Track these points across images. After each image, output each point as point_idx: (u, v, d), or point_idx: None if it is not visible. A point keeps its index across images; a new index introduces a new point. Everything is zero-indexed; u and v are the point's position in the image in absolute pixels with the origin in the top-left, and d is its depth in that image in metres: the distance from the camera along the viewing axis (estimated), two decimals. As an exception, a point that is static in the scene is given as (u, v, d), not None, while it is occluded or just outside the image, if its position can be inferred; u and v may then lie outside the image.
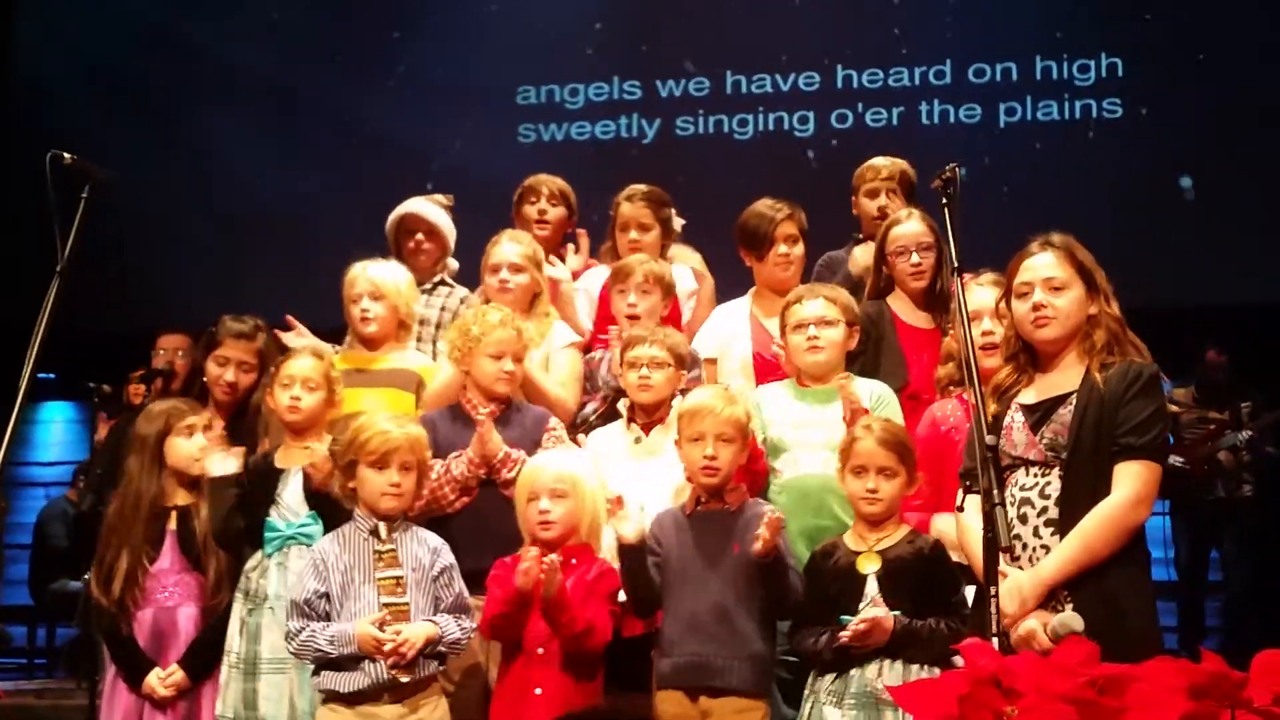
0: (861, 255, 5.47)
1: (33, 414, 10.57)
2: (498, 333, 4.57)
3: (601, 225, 5.80)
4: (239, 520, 4.41)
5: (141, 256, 9.43)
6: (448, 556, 4.14)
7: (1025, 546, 3.59)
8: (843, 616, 3.87)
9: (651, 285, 5.02)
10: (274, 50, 9.84)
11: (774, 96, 9.37)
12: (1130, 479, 3.52)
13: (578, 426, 4.91)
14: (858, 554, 3.98)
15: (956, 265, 3.68)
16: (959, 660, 3.46)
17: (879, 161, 5.67)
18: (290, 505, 4.42)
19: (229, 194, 9.64)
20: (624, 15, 9.68)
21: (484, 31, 9.69)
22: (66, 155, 3.77)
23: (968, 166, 3.68)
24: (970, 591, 3.84)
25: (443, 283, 5.57)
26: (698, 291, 5.50)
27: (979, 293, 4.34)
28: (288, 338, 5.11)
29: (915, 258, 4.97)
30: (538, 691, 3.99)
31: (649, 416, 4.63)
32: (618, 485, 4.41)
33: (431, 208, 5.63)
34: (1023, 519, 3.60)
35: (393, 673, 3.92)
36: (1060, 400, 3.64)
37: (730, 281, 5.47)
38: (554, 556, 3.97)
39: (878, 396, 4.54)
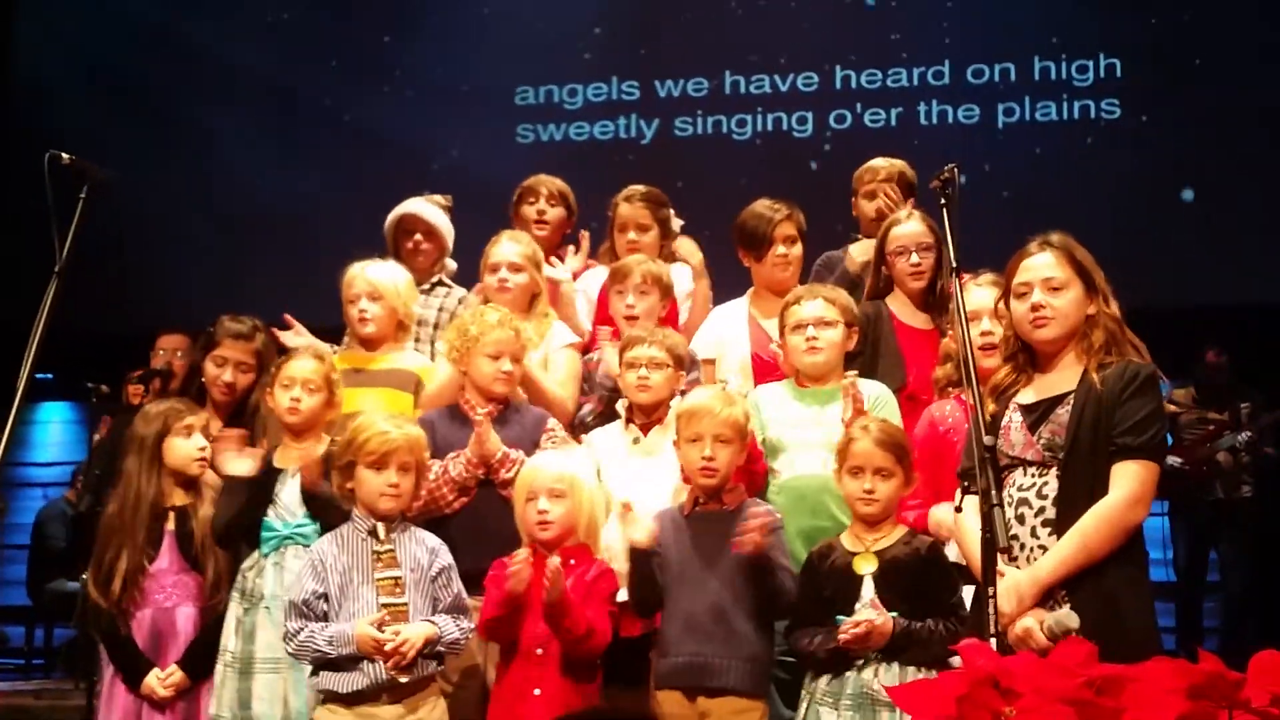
0: (857, 252, 5.48)
1: (31, 414, 10.56)
2: (496, 333, 4.57)
3: (600, 226, 5.79)
4: (245, 519, 4.41)
5: (141, 256, 9.44)
6: (446, 557, 4.14)
7: (1023, 547, 3.59)
8: (839, 617, 3.88)
9: (649, 286, 5.03)
10: (274, 50, 9.85)
11: (772, 97, 9.38)
12: (1127, 479, 3.52)
13: (575, 427, 4.92)
14: (854, 554, 3.98)
15: (955, 266, 3.67)
16: (955, 661, 3.48)
17: (877, 163, 5.69)
18: (288, 505, 4.42)
19: (228, 194, 9.65)
20: (622, 16, 9.69)
21: (483, 32, 9.70)
22: (65, 155, 3.76)
23: (966, 167, 3.67)
24: (969, 591, 3.84)
25: (441, 283, 5.57)
26: (693, 291, 5.50)
27: (978, 293, 4.33)
28: (286, 337, 5.11)
29: (915, 258, 4.97)
30: (536, 692, 3.99)
31: (647, 417, 4.63)
32: (616, 485, 4.45)
33: (430, 208, 5.63)
34: (1020, 519, 3.60)
35: (391, 673, 3.92)
36: (1058, 400, 3.64)
37: (728, 282, 5.47)
38: (556, 560, 3.96)
39: (876, 397, 4.53)
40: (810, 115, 9.31)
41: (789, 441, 4.53)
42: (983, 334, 4.26)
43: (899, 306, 5.03)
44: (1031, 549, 3.58)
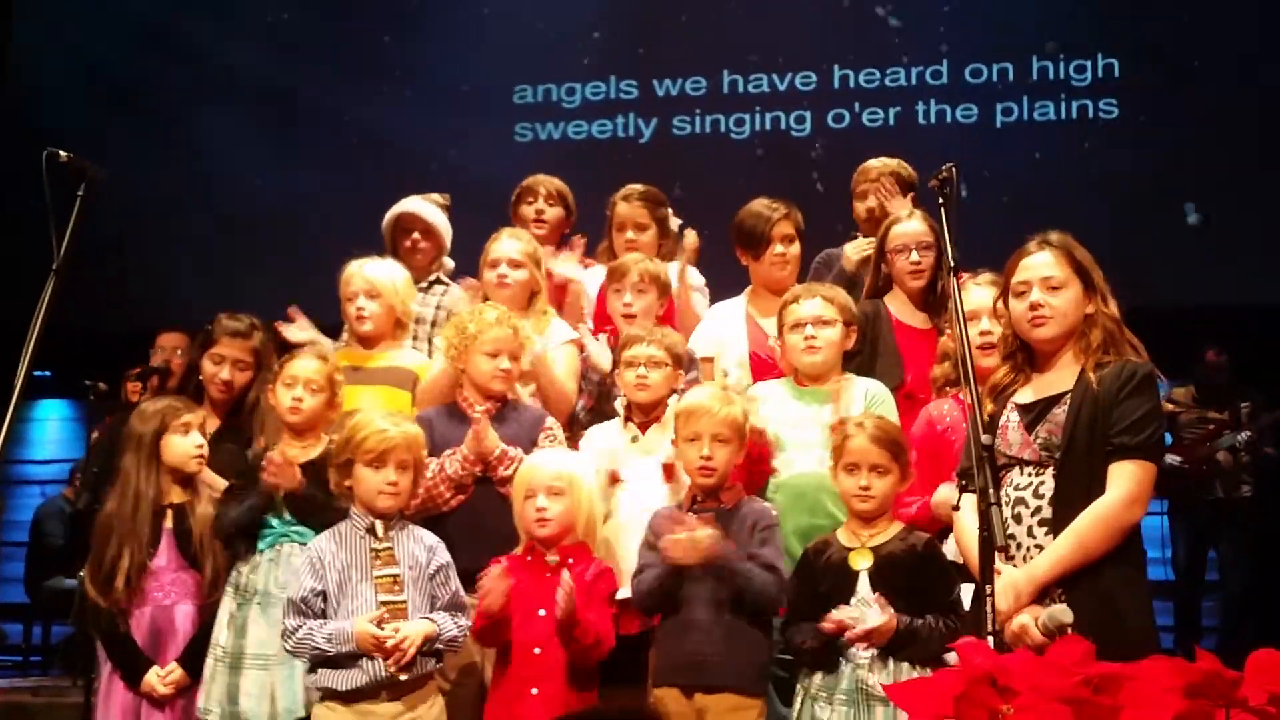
0: (852, 250, 5.48)
1: (29, 412, 10.56)
2: (494, 331, 4.57)
3: (598, 225, 5.79)
4: (252, 516, 4.41)
5: (140, 256, 9.44)
6: (444, 555, 4.14)
7: (1019, 546, 3.59)
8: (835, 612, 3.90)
9: (647, 285, 5.04)
10: (272, 50, 9.84)
11: (771, 96, 9.37)
12: (1124, 479, 3.52)
13: (571, 424, 4.93)
14: (850, 550, 3.99)
15: (953, 265, 3.68)
16: (950, 658, 3.48)
17: (870, 163, 5.71)
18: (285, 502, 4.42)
19: (227, 193, 9.64)
20: (621, 15, 9.68)
21: (481, 31, 9.69)
22: (62, 153, 3.77)
23: (964, 167, 3.67)
24: (968, 590, 3.84)
25: (439, 281, 5.57)
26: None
27: (977, 292, 4.33)
28: (289, 330, 5.12)
29: (915, 255, 4.97)
30: (534, 691, 3.99)
31: (646, 415, 4.63)
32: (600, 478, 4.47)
33: (428, 207, 5.63)
34: (1017, 518, 3.60)
35: (391, 670, 3.92)
36: (1055, 400, 3.64)
37: (727, 280, 5.47)
38: (568, 578, 3.95)
39: (873, 395, 4.54)
40: (808, 114, 9.30)
41: (787, 440, 4.53)
42: (981, 334, 4.26)
43: (897, 305, 5.03)
44: (1028, 548, 3.58)
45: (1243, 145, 8.65)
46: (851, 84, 9.30)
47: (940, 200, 3.69)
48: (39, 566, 9.09)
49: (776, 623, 4.12)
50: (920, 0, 9.46)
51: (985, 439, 3.35)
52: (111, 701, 4.46)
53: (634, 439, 4.61)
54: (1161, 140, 8.78)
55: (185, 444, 4.55)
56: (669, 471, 4.41)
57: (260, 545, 4.41)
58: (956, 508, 3.75)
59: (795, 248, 5.20)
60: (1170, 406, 8.03)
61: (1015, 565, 3.56)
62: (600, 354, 4.91)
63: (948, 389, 4.46)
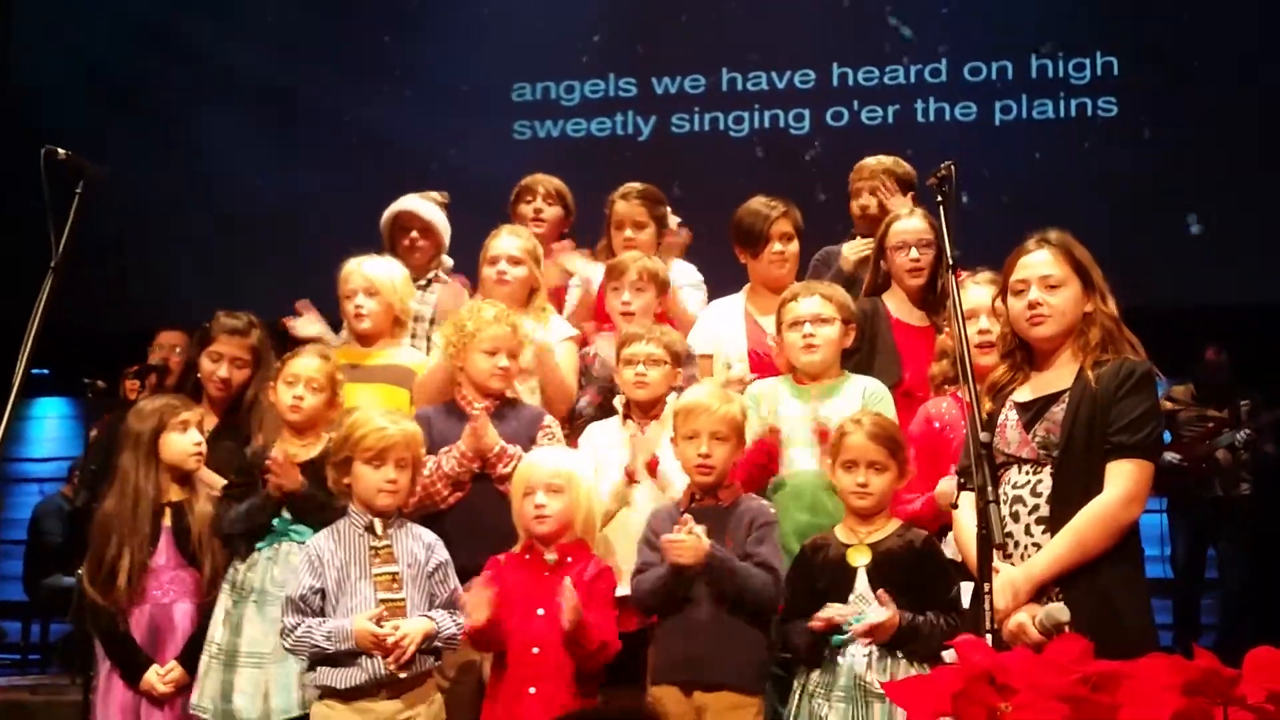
0: (850, 250, 5.49)
1: (27, 410, 10.55)
2: (492, 329, 4.57)
3: (596, 223, 5.79)
4: (257, 519, 4.41)
5: (140, 255, 9.43)
6: (442, 553, 4.15)
7: (1017, 544, 3.59)
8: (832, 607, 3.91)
9: (646, 283, 5.04)
10: (272, 50, 9.82)
11: (769, 94, 9.36)
12: (1122, 478, 3.52)
13: (573, 419, 4.93)
14: (848, 547, 4.00)
15: (952, 263, 3.68)
16: (947, 656, 3.48)
17: (866, 161, 5.71)
18: (284, 500, 4.43)
19: (226, 193, 9.63)
20: (620, 13, 9.68)
21: (480, 29, 9.68)
22: (60, 151, 3.77)
23: (963, 165, 3.67)
24: (967, 588, 3.84)
25: (437, 279, 5.57)
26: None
27: (975, 291, 4.34)
28: (298, 324, 5.12)
29: (914, 253, 4.96)
30: (532, 691, 3.98)
31: (645, 413, 4.63)
32: (612, 478, 4.47)
33: (426, 205, 5.63)
34: (1015, 517, 3.60)
35: (390, 668, 3.92)
36: (1053, 398, 3.64)
37: (725, 278, 5.47)
38: (570, 590, 3.94)
39: (871, 393, 4.54)
40: (807, 113, 9.29)
41: (785, 438, 4.53)
42: (980, 332, 4.26)
43: (896, 303, 5.03)
44: (1026, 547, 3.58)
45: (1243, 145, 8.64)
46: (850, 82, 9.29)
47: (939, 198, 3.69)
48: (37, 564, 9.08)
49: (775, 620, 4.13)
50: (919, -1, 9.47)
51: (983, 437, 3.35)
52: (110, 700, 4.46)
53: (633, 436, 4.60)
54: (1161, 139, 8.78)
55: (184, 442, 4.55)
56: (651, 469, 4.41)
57: (259, 544, 4.41)
58: (955, 505, 3.76)
59: (794, 246, 5.20)
60: (1169, 405, 8.03)
61: (1013, 564, 3.56)
62: (610, 354, 4.91)
63: (946, 387, 4.47)
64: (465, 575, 4.18)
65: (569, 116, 9.62)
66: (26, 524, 9.54)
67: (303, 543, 4.26)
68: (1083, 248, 3.75)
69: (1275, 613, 8.11)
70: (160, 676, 4.41)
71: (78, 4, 10.32)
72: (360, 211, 6.03)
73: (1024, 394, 3.73)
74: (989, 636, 3.11)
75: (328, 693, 3.97)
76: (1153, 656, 2.49)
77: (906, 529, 4.03)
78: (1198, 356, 8.32)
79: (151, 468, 4.52)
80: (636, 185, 5.62)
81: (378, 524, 4.08)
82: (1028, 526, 3.58)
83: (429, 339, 5.26)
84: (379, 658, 3.92)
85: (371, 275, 5.02)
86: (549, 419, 4.68)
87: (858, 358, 4.79)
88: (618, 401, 4.74)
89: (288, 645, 4.02)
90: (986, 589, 3.21)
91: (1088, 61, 9.01)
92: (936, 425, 4.36)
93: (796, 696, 3.95)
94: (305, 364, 4.57)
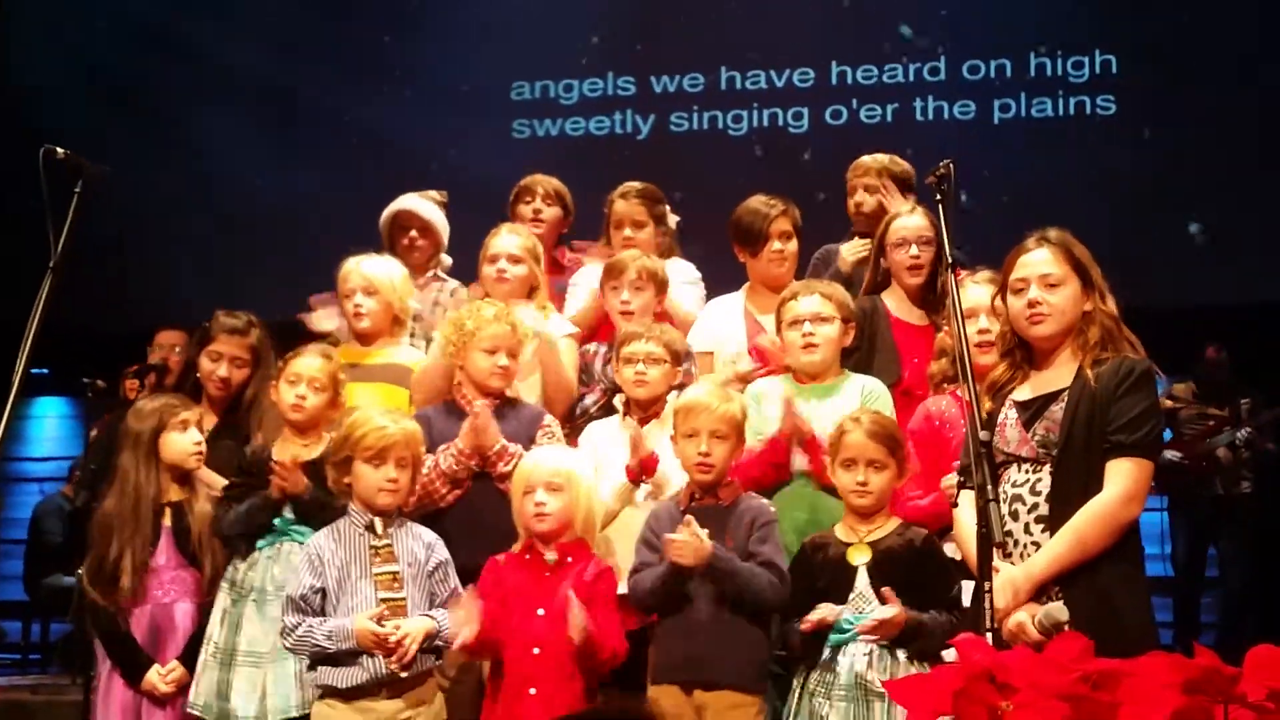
0: (848, 251, 5.49)
1: (27, 409, 10.55)
2: (492, 328, 4.57)
3: (595, 222, 5.79)
4: (261, 519, 4.41)
5: (140, 255, 9.43)
6: (442, 552, 4.15)
7: (1016, 543, 3.59)
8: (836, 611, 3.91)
9: (645, 282, 5.04)
10: (272, 50, 9.82)
11: (768, 93, 9.36)
12: (1121, 476, 3.52)
13: (577, 416, 4.93)
14: (848, 545, 4.00)
15: (951, 261, 3.68)
16: (947, 655, 3.48)
17: (862, 160, 5.70)
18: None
19: (227, 194, 9.63)
20: (619, 11, 9.67)
21: (479, 29, 9.68)
22: (59, 150, 3.77)
23: (962, 163, 3.67)
24: (968, 586, 3.84)
25: (436, 277, 5.57)
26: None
27: (975, 290, 4.33)
28: (314, 318, 5.12)
29: (914, 249, 4.95)
30: (532, 691, 3.97)
31: (644, 412, 4.64)
32: (613, 478, 4.46)
33: (425, 204, 5.63)
34: (1014, 515, 3.60)
35: (391, 668, 3.92)
36: (1053, 397, 3.64)
37: (724, 278, 5.47)
38: (577, 607, 3.93)
39: (869, 391, 4.54)
40: (806, 111, 9.29)
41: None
42: (980, 332, 4.26)
43: (895, 302, 5.03)
44: (1025, 546, 3.58)
45: (1243, 145, 8.63)
46: (849, 80, 9.29)
47: (938, 197, 3.69)
48: (38, 564, 9.09)
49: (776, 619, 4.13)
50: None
51: (983, 435, 3.35)
52: (111, 700, 4.46)
53: (633, 436, 4.59)
54: (1161, 138, 8.78)
55: (184, 441, 4.55)
56: (650, 466, 4.41)
57: (260, 543, 4.41)
58: (955, 504, 3.76)
59: (793, 244, 5.20)
60: (1169, 403, 8.02)
61: (1012, 563, 3.56)
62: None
63: (945, 385, 4.47)
64: (465, 574, 4.18)
65: (568, 115, 9.62)
66: (26, 523, 9.54)
67: (303, 542, 4.26)
68: (1082, 246, 3.75)
69: (1276, 611, 8.11)
70: (162, 676, 4.41)
71: (77, 4, 10.31)
72: (360, 211, 6.04)
73: (1023, 393, 3.73)
74: (989, 635, 3.12)
75: (329, 692, 3.97)
76: (1153, 655, 2.49)
77: (906, 528, 4.03)
78: (1198, 355, 8.31)
79: (152, 467, 4.52)
80: (635, 184, 5.62)
81: (378, 523, 4.08)
82: (1027, 525, 3.59)
83: (428, 339, 5.25)
84: (380, 657, 3.92)
85: (370, 274, 5.02)
86: (549, 418, 4.68)
87: (857, 356, 4.79)
88: (617, 400, 4.74)
89: (288, 645, 4.02)
90: (987, 588, 3.21)
91: (1087, 60, 9.01)
92: (937, 423, 4.36)
93: (796, 695, 3.96)
94: (308, 363, 4.57)
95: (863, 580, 3.95)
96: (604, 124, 9.57)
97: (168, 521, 4.52)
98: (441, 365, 4.73)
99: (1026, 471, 3.64)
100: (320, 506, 4.29)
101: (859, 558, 3.97)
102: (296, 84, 9.79)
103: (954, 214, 3.69)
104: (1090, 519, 3.49)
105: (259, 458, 4.50)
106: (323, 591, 4.01)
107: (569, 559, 4.11)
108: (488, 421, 4.41)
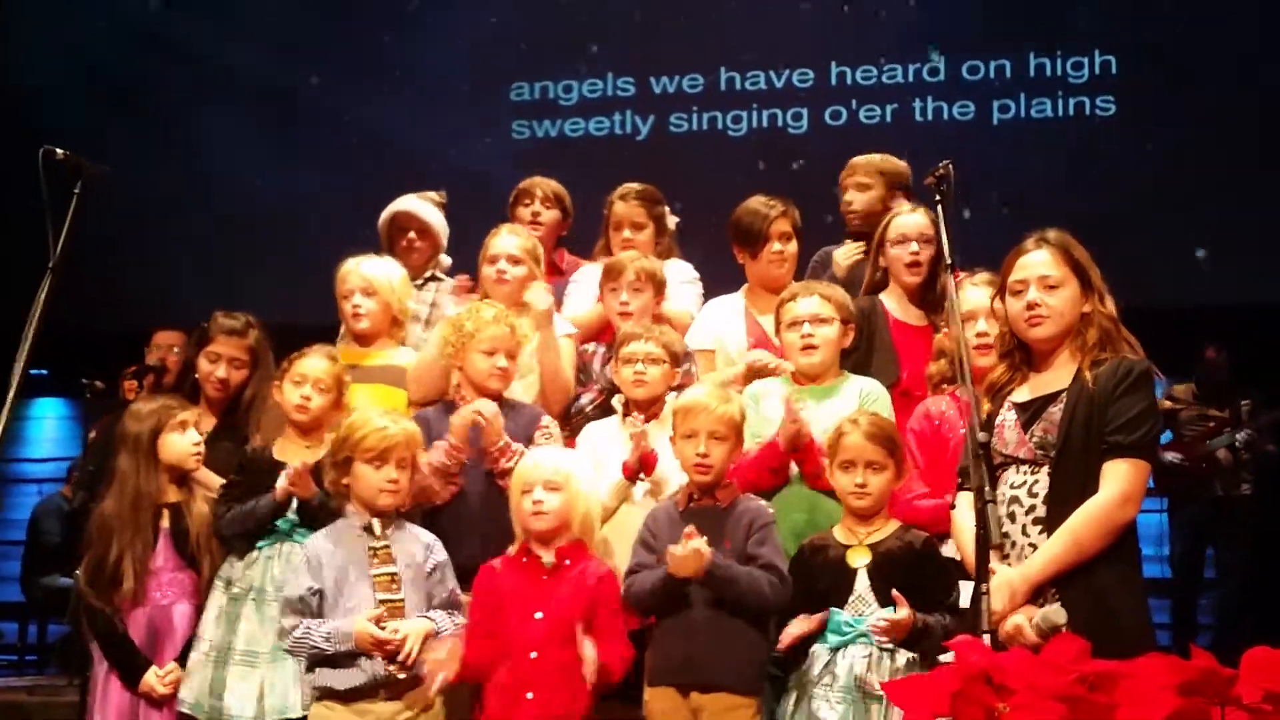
0: (842, 256, 5.49)
1: (25, 410, 10.55)
2: (491, 329, 4.57)
3: (595, 223, 5.79)
4: (265, 519, 4.40)
5: (138, 255, 9.43)
6: (440, 553, 4.15)
7: (1014, 545, 3.59)
8: (833, 609, 3.93)
9: (643, 283, 5.04)
10: (272, 50, 9.82)
11: (768, 93, 9.37)
12: (1118, 477, 3.52)
13: (573, 416, 4.93)
14: (848, 547, 4.00)
15: (950, 262, 3.68)
16: (945, 657, 3.48)
17: (853, 160, 5.70)
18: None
19: (227, 194, 9.63)
20: (618, 12, 9.67)
21: (478, 28, 9.68)
22: (59, 151, 3.77)
23: (960, 164, 3.67)
24: (967, 588, 3.84)
25: (434, 278, 5.57)
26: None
27: (973, 292, 4.34)
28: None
29: (914, 246, 4.95)
30: (529, 696, 3.95)
31: (643, 412, 4.63)
32: (611, 477, 4.48)
33: (424, 205, 5.63)
34: (1011, 517, 3.60)
35: (390, 669, 3.92)
36: (1051, 398, 3.64)
37: (723, 278, 5.46)
38: (590, 653, 3.93)
39: (868, 393, 4.54)
40: (805, 111, 9.30)
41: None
42: (978, 334, 4.27)
43: (893, 302, 5.02)
44: (1022, 547, 3.58)
45: (1243, 145, 8.63)
46: (849, 81, 9.30)
47: (937, 197, 3.69)
48: (35, 564, 9.09)
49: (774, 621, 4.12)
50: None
51: (982, 437, 3.35)
52: (108, 701, 4.45)
53: (632, 436, 4.59)
54: (1160, 139, 8.77)
55: (183, 442, 4.54)
56: (649, 465, 4.43)
57: (260, 543, 4.40)
58: (953, 506, 3.76)
59: (793, 245, 5.20)
60: (1169, 404, 8.02)
61: (1010, 564, 3.56)
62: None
63: (944, 386, 4.47)
64: (463, 574, 4.18)
65: (567, 116, 9.62)
66: (24, 525, 9.54)
67: (302, 543, 4.25)
68: (1081, 248, 3.75)
69: (1274, 613, 8.10)
70: (160, 678, 4.40)
71: (77, 4, 10.31)
72: (360, 211, 6.03)
73: (1022, 394, 3.73)
74: (986, 637, 3.12)
75: (327, 694, 3.97)
76: (1150, 656, 2.49)
77: (906, 530, 4.04)
78: (1198, 356, 8.31)
79: (151, 469, 4.51)
80: (635, 185, 5.63)
81: (376, 524, 4.08)
82: (1024, 527, 3.59)
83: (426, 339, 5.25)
84: (379, 659, 3.91)
85: (369, 275, 5.02)
86: (547, 419, 4.68)
87: (856, 356, 4.78)
88: (616, 400, 4.74)
89: (286, 646, 4.02)
90: (984, 589, 3.21)
91: (1086, 61, 9.01)
92: (936, 423, 4.36)
93: (793, 697, 3.95)
94: (313, 364, 4.57)
95: (862, 582, 3.95)
96: (603, 125, 9.58)
97: (165, 523, 4.51)
98: (440, 364, 4.73)
99: (1024, 473, 3.64)
100: (324, 510, 4.28)
101: (859, 560, 3.97)
102: (296, 84, 9.80)
103: (953, 214, 3.69)
104: (1087, 520, 3.49)
105: (259, 458, 4.50)
106: (320, 593, 4.00)
107: (566, 561, 4.10)
108: (496, 415, 4.41)
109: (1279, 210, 8.44)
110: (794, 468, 4.45)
